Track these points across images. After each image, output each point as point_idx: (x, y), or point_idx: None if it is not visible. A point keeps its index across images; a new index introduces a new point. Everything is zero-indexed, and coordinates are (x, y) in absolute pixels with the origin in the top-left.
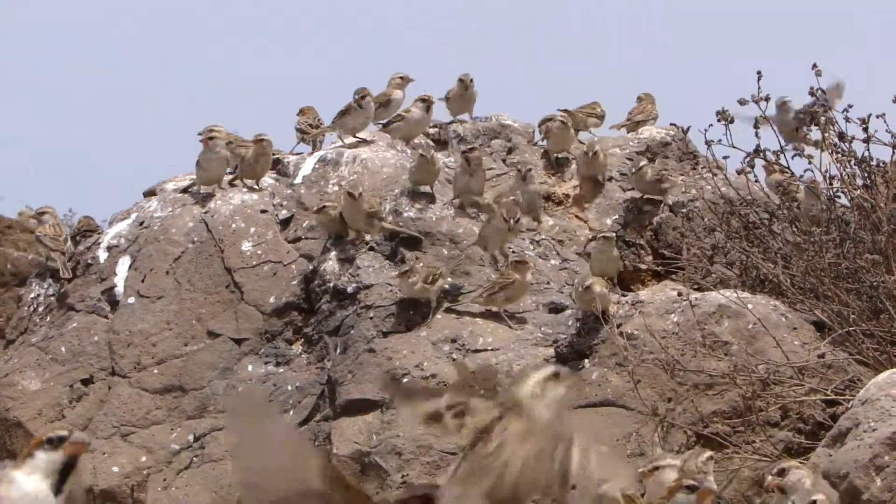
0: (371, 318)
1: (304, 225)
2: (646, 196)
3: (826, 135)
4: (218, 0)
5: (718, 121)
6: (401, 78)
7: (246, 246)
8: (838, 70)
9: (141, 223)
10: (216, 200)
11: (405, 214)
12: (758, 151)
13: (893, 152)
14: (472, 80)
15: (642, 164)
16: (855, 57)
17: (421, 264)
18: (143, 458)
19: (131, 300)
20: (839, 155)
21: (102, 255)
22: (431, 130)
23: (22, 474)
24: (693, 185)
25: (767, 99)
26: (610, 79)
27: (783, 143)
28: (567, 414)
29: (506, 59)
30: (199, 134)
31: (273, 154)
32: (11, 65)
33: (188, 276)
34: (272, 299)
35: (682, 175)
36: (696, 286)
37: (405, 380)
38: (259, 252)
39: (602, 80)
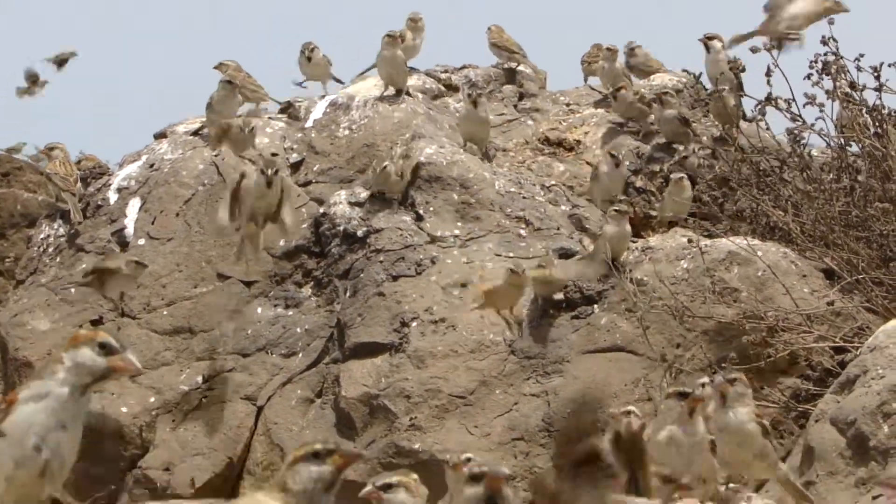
0: (381, 261)
1: (315, 168)
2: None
3: (838, 83)
4: None
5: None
6: (412, 20)
7: None
8: (850, 17)
9: (151, 165)
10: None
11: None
12: (769, 99)
13: None
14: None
15: (620, 84)
16: (866, 4)
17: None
18: (152, 399)
19: (141, 242)
20: (850, 103)
21: (112, 196)
22: (442, 75)
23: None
24: (704, 133)
25: (780, 47)
26: (619, 23)
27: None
28: None
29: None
30: (215, 67)
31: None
32: (23, 6)
33: (198, 218)
34: (282, 242)
35: (693, 122)
36: (706, 233)
37: (414, 324)
38: None
39: (611, 25)
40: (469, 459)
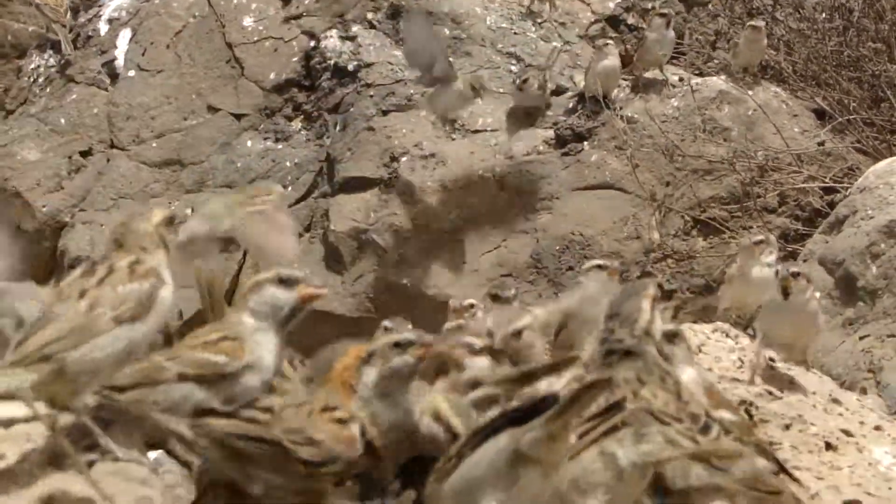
0: (371, 96)
1: (306, 1)
2: None
3: None
4: None
5: None
6: None
7: (247, 21)
8: None
9: None
10: None
11: None
12: None
13: None
14: None
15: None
16: None
17: None
18: None
19: (131, 73)
20: None
21: (103, 27)
22: None
23: None
24: None
25: None
26: None
27: None
28: None
29: None
30: None
31: None
32: None
33: (189, 50)
34: (272, 75)
35: None
36: (697, 71)
37: (404, 159)
38: (260, 28)
39: None
40: (472, 305)
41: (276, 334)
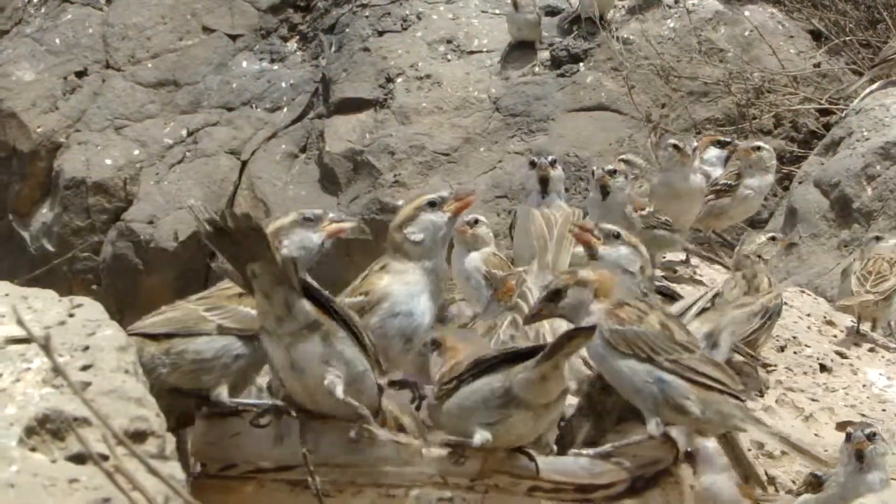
0: (367, 16)
1: None
2: None
3: None
4: None
5: None
6: None
7: None
8: None
9: None
10: None
11: None
12: None
13: None
14: None
15: None
16: None
17: None
18: (136, 152)
19: None
20: None
21: None
22: None
23: None
24: None
25: None
26: None
27: None
28: None
29: None
30: None
31: None
32: None
33: None
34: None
35: None
36: None
37: (399, 80)
38: None
39: None
40: (476, 221)
41: None
